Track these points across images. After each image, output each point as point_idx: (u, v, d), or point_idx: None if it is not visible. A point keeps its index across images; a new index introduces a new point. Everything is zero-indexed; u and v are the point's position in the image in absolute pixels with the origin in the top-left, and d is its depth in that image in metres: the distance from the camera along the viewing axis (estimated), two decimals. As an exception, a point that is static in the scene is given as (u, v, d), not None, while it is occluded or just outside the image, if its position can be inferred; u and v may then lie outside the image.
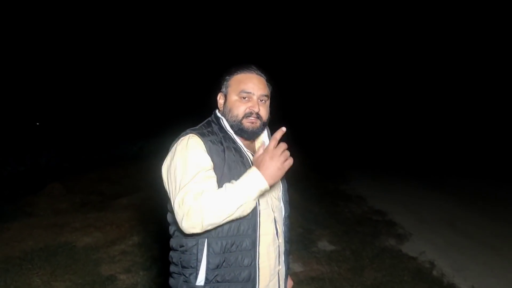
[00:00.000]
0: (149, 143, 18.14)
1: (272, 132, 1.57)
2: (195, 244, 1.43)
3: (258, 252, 1.48)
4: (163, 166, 1.51)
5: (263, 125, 1.61)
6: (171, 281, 1.52)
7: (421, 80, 28.50)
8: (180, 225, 1.32)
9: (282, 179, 1.66)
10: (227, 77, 1.62)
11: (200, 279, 1.42)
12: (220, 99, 1.65)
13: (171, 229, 1.53)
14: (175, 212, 1.35)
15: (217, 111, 1.66)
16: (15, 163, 11.91)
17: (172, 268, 1.51)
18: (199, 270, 1.41)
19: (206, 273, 1.41)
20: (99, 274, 4.06)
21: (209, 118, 1.65)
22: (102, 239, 5.08)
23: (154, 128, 25.20)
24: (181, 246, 1.48)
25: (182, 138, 1.50)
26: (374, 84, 31.48)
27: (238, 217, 1.35)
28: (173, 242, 1.52)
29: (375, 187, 9.43)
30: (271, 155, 1.33)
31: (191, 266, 1.44)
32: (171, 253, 1.53)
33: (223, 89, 1.63)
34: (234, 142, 1.55)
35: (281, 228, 1.64)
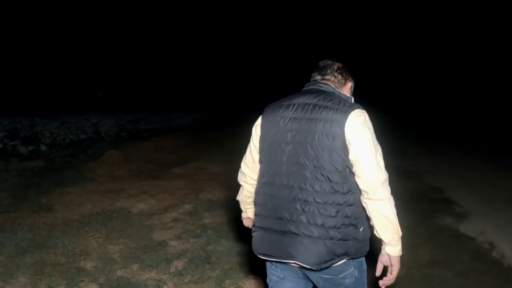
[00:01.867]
0: (202, 116, 18.40)
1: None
2: (360, 200, 1.62)
3: None
4: (353, 123, 1.57)
5: None
6: (341, 230, 1.58)
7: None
8: (375, 182, 1.53)
9: None
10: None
11: (365, 227, 1.65)
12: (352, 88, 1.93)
13: (345, 187, 1.58)
14: (374, 171, 1.54)
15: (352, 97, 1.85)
16: (77, 131, 12.49)
17: (343, 220, 1.58)
18: (364, 219, 1.64)
19: (365, 221, 1.65)
20: (151, 239, 4.10)
21: (351, 101, 1.77)
22: (155, 206, 5.14)
23: (207, 103, 25.60)
24: (357, 201, 1.61)
25: (363, 111, 1.63)
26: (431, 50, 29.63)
27: None
28: (348, 198, 1.59)
29: (432, 161, 8.92)
30: None
31: (360, 217, 1.63)
32: (344, 208, 1.58)
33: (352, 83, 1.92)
34: None
35: None
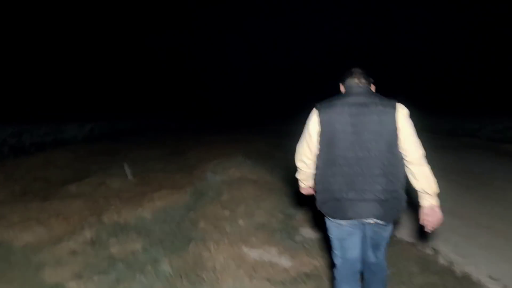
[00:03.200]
0: (101, 125, 16.91)
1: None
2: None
3: None
4: (402, 114, 2.20)
5: None
6: (400, 194, 2.25)
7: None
8: (422, 156, 2.23)
9: None
10: None
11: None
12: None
13: (401, 163, 2.24)
14: (419, 147, 2.22)
15: None
16: None
17: (400, 186, 2.24)
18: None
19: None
20: (42, 281, 3.26)
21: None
22: (45, 235, 4.22)
23: (106, 110, 23.86)
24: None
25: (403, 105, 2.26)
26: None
27: None
28: (401, 168, 2.25)
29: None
30: None
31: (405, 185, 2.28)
32: (398, 178, 2.23)
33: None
34: None
35: None
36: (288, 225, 4.38)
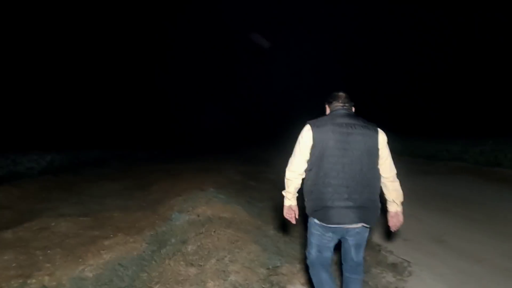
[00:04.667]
0: (62, 157, 15.60)
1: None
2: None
3: None
4: (383, 138, 2.63)
5: None
6: (378, 203, 2.65)
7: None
8: (395, 175, 2.72)
9: None
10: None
11: None
12: None
13: (378, 178, 2.65)
14: (394, 169, 2.71)
15: None
16: None
17: (377, 198, 2.64)
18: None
19: None
20: None
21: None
22: None
23: (70, 142, 22.51)
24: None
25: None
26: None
27: None
28: (379, 182, 2.66)
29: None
30: None
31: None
32: (377, 189, 2.65)
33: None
34: None
35: None
36: (273, 284, 3.43)
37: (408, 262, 4.21)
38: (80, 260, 3.89)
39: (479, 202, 6.85)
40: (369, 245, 4.77)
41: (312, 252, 2.74)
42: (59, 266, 3.84)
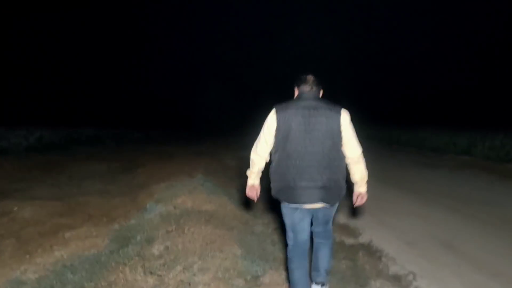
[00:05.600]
0: (52, 133, 14.99)
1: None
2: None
3: None
4: (344, 119, 2.61)
5: None
6: (341, 183, 2.67)
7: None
8: (360, 155, 2.70)
9: None
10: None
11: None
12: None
13: (342, 158, 2.67)
14: (358, 149, 2.68)
15: None
16: None
17: (342, 176, 2.66)
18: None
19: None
20: None
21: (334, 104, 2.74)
22: None
23: (65, 114, 21.91)
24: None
25: (346, 110, 2.67)
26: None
27: None
28: (343, 162, 2.68)
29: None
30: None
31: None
32: (340, 170, 2.67)
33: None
34: None
35: None
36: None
37: (414, 274, 3.60)
38: (27, 256, 3.32)
39: (493, 203, 6.21)
40: (368, 250, 4.17)
41: (290, 236, 2.78)
42: (2, 263, 3.26)
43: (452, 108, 22.85)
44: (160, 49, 39.83)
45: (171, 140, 18.38)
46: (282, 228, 4.72)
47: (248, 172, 2.85)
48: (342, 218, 5.28)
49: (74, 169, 8.35)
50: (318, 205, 2.63)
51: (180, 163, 8.50)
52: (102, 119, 23.31)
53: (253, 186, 2.82)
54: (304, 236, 2.74)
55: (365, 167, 2.77)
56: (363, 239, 4.53)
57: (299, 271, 2.73)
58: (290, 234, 2.78)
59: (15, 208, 4.96)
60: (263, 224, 4.84)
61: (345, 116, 2.61)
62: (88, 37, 29.56)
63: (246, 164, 8.94)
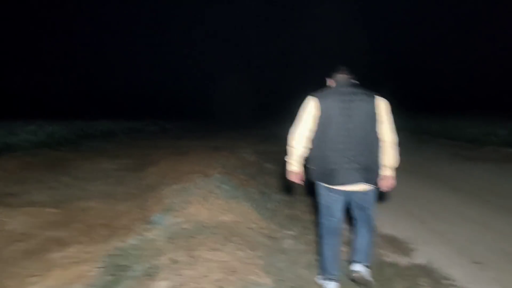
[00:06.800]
0: (63, 128, 14.41)
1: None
2: None
3: None
4: (381, 104, 2.74)
5: None
6: (378, 164, 2.79)
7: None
8: (394, 140, 2.80)
9: None
10: None
11: None
12: None
13: (378, 141, 2.76)
14: (394, 134, 2.79)
15: None
16: None
17: (378, 158, 2.78)
18: None
19: None
20: None
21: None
22: None
23: (78, 109, 21.41)
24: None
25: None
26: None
27: None
28: (379, 145, 2.77)
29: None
30: None
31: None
32: (378, 152, 2.78)
33: None
34: None
35: None
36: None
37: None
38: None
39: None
40: (430, 275, 3.27)
41: (324, 215, 2.89)
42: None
43: (489, 94, 21.42)
44: (178, 41, 39.25)
45: (188, 133, 17.69)
46: (314, 240, 3.91)
47: (288, 159, 2.90)
48: (387, 227, 4.40)
49: (81, 168, 7.66)
50: (359, 186, 2.74)
51: (196, 160, 7.72)
52: (118, 112, 22.75)
53: (293, 172, 2.90)
54: (338, 215, 2.86)
55: (397, 153, 2.84)
56: (419, 257, 3.66)
57: (329, 247, 2.89)
58: (324, 214, 2.90)
59: (4, 219, 4.25)
60: (292, 236, 4.03)
61: (382, 102, 2.75)
62: (103, 29, 29.10)
63: (266, 158, 8.05)
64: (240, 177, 6.44)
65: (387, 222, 4.55)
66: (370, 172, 2.72)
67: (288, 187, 5.57)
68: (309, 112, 2.72)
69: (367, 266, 2.90)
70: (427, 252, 3.77)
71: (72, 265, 2.95)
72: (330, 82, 2.94)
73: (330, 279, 2.86)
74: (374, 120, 2.70)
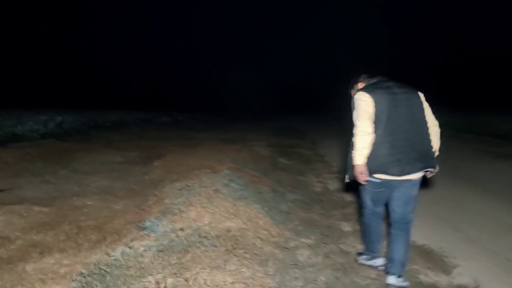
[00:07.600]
0: (73, 118, 14.05)
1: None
2: None
3: None
4: (421, 94, 2.88)
5: None
6: (432, 148, 2.89)
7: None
8: (436, 125, 2.91)
9: None
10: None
11: None
12: None
13: (428, 125, 2.87)
14: (436, 122, 2.91)
15: None
16: None
17: (431, 143, 2.90)
18: None
19: None
20: None
21: None
22: None
23: (91, 98, 21.12)
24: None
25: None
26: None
27: None
28: (429, 131, 2.91)
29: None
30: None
31: None
32: (430, 138, 2.88)
33: None
34: None
35: None
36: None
37: None
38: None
39: None
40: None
41: (368, 205, 3.05)
42: None
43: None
44: (189, 31, 38.76)
45: (199, 125, 17.22)
46: (335, 250, 3.36)
47: (357, 151, 2.79)
48: (418, 236, 3.81)
49: (83, 160, 7.21)
50: (417, 174, 2.80)
51: (205, 153, 7.21)
52: (130, 102, 22.37)
53: (362, 166, 2.79)
54: (382, 204, 3.02)
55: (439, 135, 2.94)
56: (462, 276, 3.08)
57: (375, 230, 3.14)
58: (368, 203, 3.04)
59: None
60: (309, 246, 3.47)
61: (422, 95, 2.88)
62: (116, 18, 28.75)
63: (280, 152, 7.42)
64: (251, 173, 5.92)
65: (418, 231, 3.95)
66: (429, 158, 2.82)
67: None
68: (368, 106, 2.73)
69: (399, 276, 2.85)
70: (469, 269, 3.21)
71: (42, 283, 2.45)
72: (360, 85, 3.04)
73: (376, 257, 3.15)
74: (422, 111, 2.81)
